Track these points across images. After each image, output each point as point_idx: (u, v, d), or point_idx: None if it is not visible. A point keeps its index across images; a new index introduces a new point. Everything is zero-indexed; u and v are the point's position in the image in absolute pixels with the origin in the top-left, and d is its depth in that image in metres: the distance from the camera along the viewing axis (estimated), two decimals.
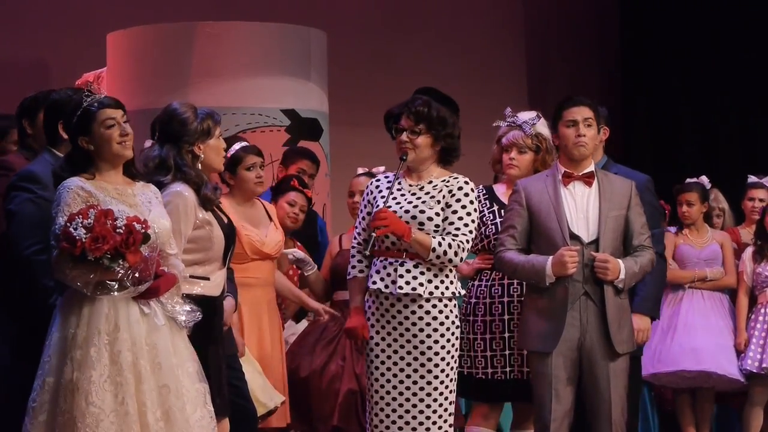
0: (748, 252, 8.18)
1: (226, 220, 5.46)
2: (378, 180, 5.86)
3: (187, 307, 4.93)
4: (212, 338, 5.36)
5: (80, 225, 4.60)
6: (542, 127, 6.28)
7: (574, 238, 5.80)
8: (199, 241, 5.31)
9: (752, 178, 8.52)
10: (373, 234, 5.62)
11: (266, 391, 6.02)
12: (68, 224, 4.63)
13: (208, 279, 5.34)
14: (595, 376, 5.78)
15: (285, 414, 6.43)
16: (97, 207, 4.68)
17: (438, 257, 5.64)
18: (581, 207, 5.85)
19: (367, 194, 5.85)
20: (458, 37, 10.88)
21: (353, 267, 5.83)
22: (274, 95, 8.30)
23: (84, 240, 4.59)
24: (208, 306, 5.28)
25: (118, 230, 4.63)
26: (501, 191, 6.28)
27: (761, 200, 8.38)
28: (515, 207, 5.90)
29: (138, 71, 8.32)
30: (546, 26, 11.40)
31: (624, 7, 11.17)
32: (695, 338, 7.99)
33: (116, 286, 4.73)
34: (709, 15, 10.62)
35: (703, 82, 10.72)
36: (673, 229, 8.32)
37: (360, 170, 7.07)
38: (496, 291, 6.17)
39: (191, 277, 5.27)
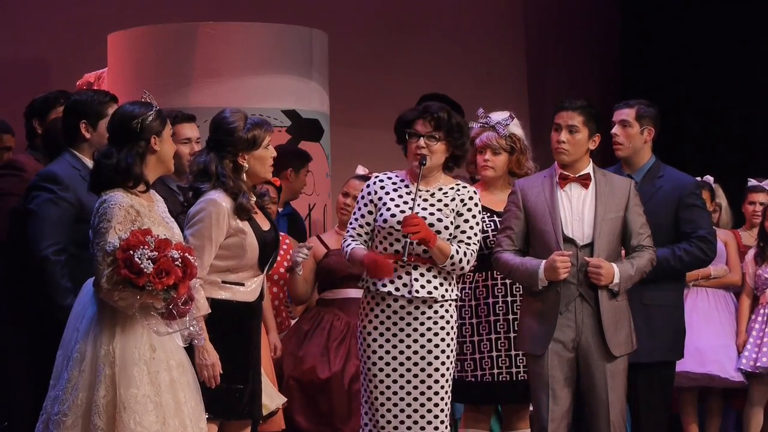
0: (751, 254, 8.18)
1: (267, 228, 5.44)
2: (382, 180, 5.83)
3: (186, 330, 4.89)
4: (248, 342, 5.41)
5: (146, 257, 4.57)
6: (515, 128, 6.27)
7: (568, 241, 5.79)
8: (232, 249, 5.32)
9: (752, 182, 8.50)
10: (408, 239, 5.59)
11: (268, 392, 6.02)
12: (132, 252, 4.57)
13: (242, 285, 5.36)
14: (592, 376, 5.78)
15: (280, 418, 6.43)
16: (154, 235, 4.64)
17: (453, 264, 5.67)
18: (576, 209, 5.83)
19: (370, 193, 5.81)
20: (459, 38, 10.87)
21: (349, 243, 5.76)
22: (275, 96, 8.29)
23: (149, 272, 4.57)
24: (241, 311, 5.35)
25: (176, 263, 4.61)
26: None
27: (761, 204, 8.36)
28: (512, 208, 5.91)
29: (139, 71, 8.31)
30: (546, 26, 11.39)
31: (624, 8, 11.17)
32: (699, 339, 7.96)
33: (161, 310, 4.71)
34: (709, 15, 10.61)
35: (703, 82, 10.71)
36: None
37: (360, 170, 7.02)
38: (480, 293, 6.17)
39: (223, 282, 5.32)
